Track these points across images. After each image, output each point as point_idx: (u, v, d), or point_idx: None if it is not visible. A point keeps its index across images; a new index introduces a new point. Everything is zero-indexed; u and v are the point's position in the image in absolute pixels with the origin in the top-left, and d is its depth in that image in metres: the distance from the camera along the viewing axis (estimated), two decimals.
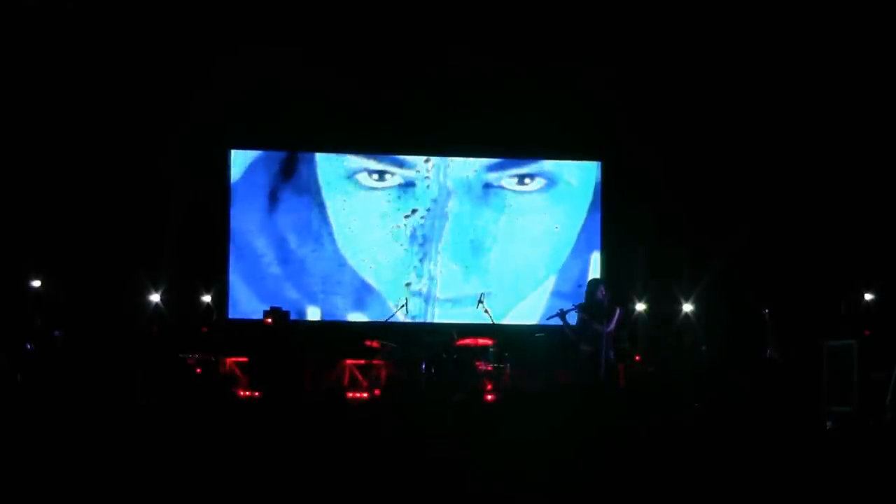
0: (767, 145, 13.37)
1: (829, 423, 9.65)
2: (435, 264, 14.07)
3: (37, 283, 12.67)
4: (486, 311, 12.53)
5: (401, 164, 14.13)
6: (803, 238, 13.23)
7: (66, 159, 12.95)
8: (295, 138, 13.86)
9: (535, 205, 14.25)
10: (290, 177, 13.98)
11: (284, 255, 13.84)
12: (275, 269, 13.78)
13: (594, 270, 13.94)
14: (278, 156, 13.99)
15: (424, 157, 14.11)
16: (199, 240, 13.42)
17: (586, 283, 10.97)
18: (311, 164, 14.01)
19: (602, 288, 10.47)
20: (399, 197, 14.09)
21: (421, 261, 13.95)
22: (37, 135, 12.85)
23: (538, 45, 13.09)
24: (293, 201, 13.93)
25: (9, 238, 12.65)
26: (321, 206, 13.94)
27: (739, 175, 13.44)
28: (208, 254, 13.51)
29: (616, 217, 13.97)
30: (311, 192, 13.97)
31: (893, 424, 8.91)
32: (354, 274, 13.93)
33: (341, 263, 13.90)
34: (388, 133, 13.75)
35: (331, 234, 13.94)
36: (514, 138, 13.72)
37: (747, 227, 13.12)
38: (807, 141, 13.20)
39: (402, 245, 14.01)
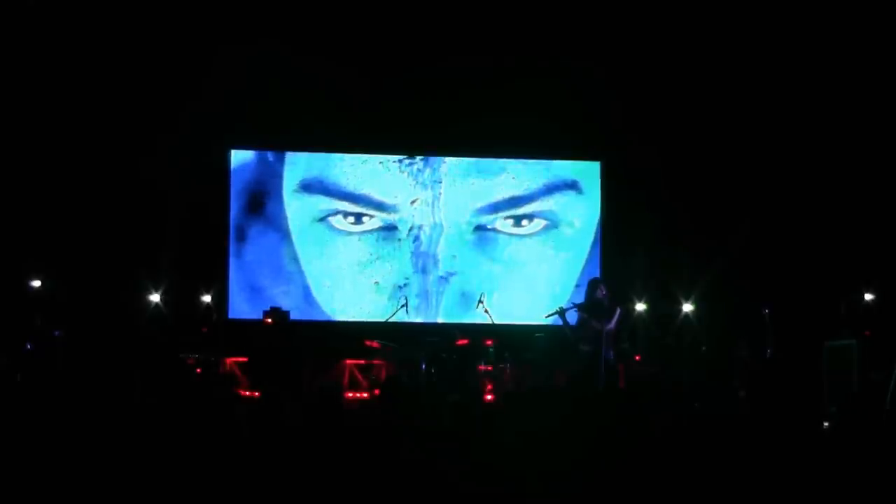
0: (767, 146, 13.37)
1: (826, 424, 9.63)
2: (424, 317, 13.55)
3: (37, 283, 12.67)
4: (486, 311, 12.53)
5: (381, 207, 13.63)
6: (803, 238, 13.22)
7: (65, 159, 12.96)
8: (295, 138, 13.85)
9: (534, 249, 13.75)
10: (258, 213, 13.60)
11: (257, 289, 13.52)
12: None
13: None
14: (247, 186, 13.63)
15: (411, 199, 13.59)
16: (198, 240, 13.42)
17: (586, 283, 10.98)
18: (279, 203, 13.56)
19: (602, 287, 10.47)
20: (378, 241, 13.61)
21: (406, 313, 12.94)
22: (36, 135, 12.86)
23: (538, 45, 13.09)
24: (263, 238, 13.57)
25: (9, 238, 12.65)
26: (292, 249, 13.50)
27: (739, 175, 13.44)
28: (208, 254, 13.51)
29: (616, 217, 13.96)
30: (281, 232, 13.57)
31: (893, 424, 8.89)
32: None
33: (316, 311, 13.50)
34: (387, 133, 13.74)
35: (305, 283, 13.52)
36: (513, 138, 13.70)
37: (747, 227, 13.12)
38: (807, 141, 13.20)
39: (384, 297, 13.50)
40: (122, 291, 12.86)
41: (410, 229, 13.69)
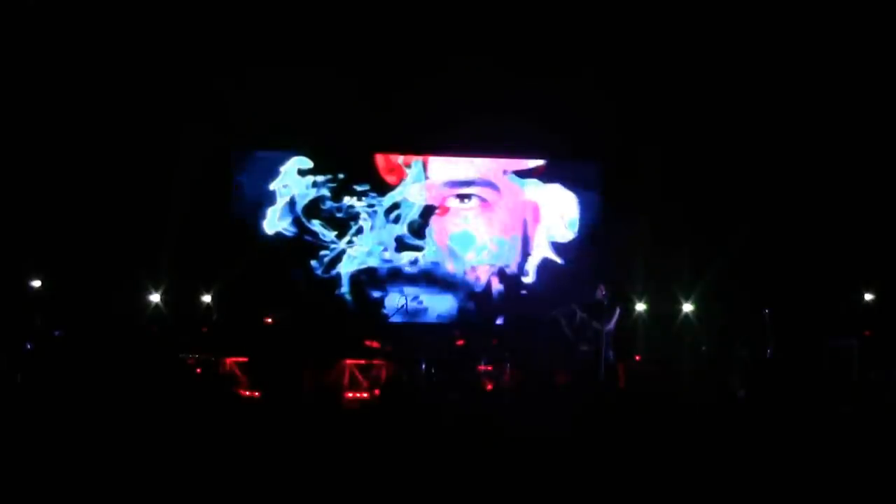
0: (767, 146, 13.37)
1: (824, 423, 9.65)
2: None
3: (37, 283, 12.68)
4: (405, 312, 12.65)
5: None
6: (804, 238, 13.22)
7: (66, 160, 12.97)
8: (295, 138, 13.85)
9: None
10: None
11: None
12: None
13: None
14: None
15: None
16: (199, 240, 13.42)
17: (588, 284, 10.98)
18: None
19: (602, 287, 10.48)
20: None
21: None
22: (37, 135, 12.86)
23: (538, 47, 13.10)
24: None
25: (9, 238, 12.66)
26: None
27: (740, 175, 13.44)
28: (208, 254, 13.50)
29: (616, 217, 13.95)
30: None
31: (891, 422, 8.91)
32: None
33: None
34: (387, 134, 13.74)
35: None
36: (513, 140, 13.70)
37: (747, 227, 13.12)
38: (807, 141, 13.21)
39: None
40: (122, 291, 12.86)
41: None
